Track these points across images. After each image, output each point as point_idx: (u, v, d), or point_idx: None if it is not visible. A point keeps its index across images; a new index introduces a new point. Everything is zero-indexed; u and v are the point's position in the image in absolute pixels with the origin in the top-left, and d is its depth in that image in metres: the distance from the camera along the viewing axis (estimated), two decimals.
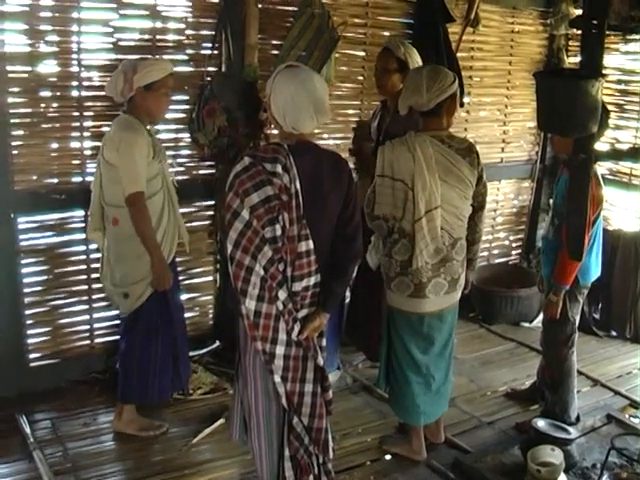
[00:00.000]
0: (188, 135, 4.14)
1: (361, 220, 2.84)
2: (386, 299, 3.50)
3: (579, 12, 5.20)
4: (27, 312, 3.95)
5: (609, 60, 5.41)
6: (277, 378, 2.68)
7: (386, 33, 4.79)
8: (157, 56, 3.86)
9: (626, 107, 5.51)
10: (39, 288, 3.98)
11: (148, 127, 3.49)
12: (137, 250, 3.42)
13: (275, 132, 3.71)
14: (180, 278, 4.03)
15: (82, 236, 3.96)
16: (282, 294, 2.61)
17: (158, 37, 3.99)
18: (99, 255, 3.71)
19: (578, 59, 5.12)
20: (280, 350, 2.65)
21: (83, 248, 4.02)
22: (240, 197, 2.54)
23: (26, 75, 3.68)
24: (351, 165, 4.29)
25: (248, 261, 2.54)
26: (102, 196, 3.47)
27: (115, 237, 3.49)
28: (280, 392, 2.70)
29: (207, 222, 4.42)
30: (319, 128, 4.66)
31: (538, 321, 4.93)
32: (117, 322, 3.96)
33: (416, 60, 3.92)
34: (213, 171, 4.31)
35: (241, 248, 2.54)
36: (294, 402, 2.73)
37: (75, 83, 3.81)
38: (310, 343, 2.73)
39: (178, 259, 3.72)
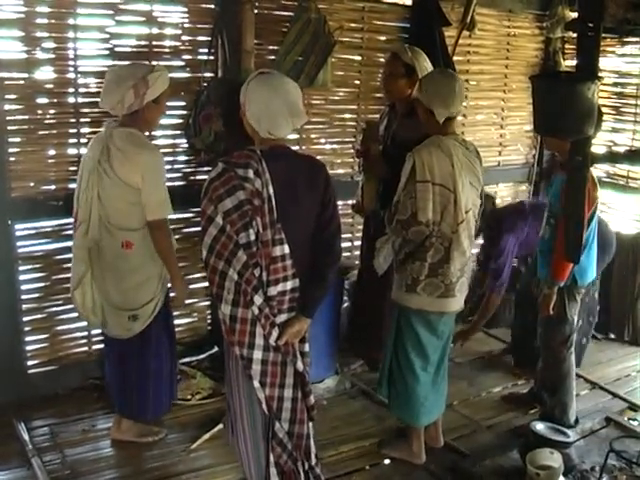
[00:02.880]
0: (185, 141, 4.13)
1: (340, 224, 2.81)
2: (391, 305, 3.52)
3: (575, 15, 5.20)
4: (25, 319, 3.95)
5: (605, 63, 5.45)
6: (256, 383, 2.68)
7: (382, 37, 4.81)
8: (154, 62, 3.85)
9: (622, 110, 5.54)
10: (36, 295, 3.97)
11: None
12: (148, 272, 3.34)
13: None
14: None
15: None
16: (258, 299, 2.60)
17: (154, 43, 3.99)
18: None
19: (574, 62, 5.12)
20: (257, 355, 2.66)
21: None
22: (214, 203, 2.56)
23: (23, 82, 3.68)
24: (350, 169, 4.33)
25: (222, 266, 2.57)
26: (106, 216, 3.25)
27: (125, 260, 3.30)
28: (260, 397, 2.71)
29: None
30: (316, 133, 4.70)
31: None
32: None
33: (424, 65, 3.91)
34: None
35: (215, 253, 2.57)
36: (274, 407, 2.74)
37: (72, 90, 3.81)
38: (289, 348, 2.73)
39: None
